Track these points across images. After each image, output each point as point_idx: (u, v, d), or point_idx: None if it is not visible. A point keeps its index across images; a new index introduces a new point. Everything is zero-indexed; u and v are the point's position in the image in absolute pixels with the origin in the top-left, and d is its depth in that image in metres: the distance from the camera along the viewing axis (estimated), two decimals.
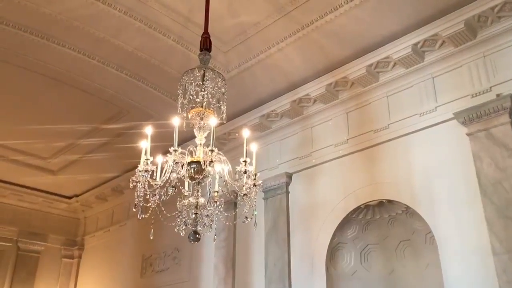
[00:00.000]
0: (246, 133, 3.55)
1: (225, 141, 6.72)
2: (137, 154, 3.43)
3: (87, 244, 9.57)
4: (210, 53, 3.81)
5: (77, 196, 9.47)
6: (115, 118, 6.81)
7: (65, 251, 9.50)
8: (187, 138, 3.60)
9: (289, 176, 6.12)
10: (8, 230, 8.79)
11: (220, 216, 3.56)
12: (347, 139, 5.64)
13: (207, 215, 3.47)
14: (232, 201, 5.61)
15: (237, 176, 3.46)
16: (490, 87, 4.55)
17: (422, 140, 5.00)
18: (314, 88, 5.77)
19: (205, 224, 3.49)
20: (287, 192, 6.10)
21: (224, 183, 3.49)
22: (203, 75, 3.61)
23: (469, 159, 4.51)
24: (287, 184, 6.12)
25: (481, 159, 4.39)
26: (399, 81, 5.31)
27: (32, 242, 9.02)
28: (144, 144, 3.40)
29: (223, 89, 3.65)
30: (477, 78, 4.66)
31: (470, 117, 4.52)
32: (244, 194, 3.42)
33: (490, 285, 4.09)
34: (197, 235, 3.42)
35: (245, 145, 3.47)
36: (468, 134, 4.56)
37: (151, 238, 3.64)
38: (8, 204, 8.88)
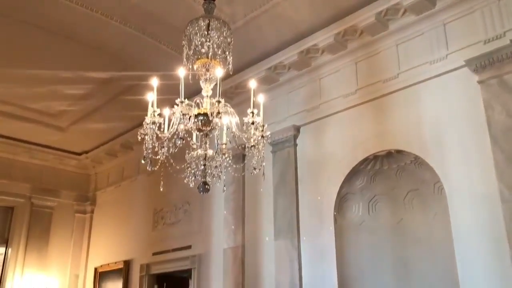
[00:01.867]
0: (253, 84, 3.51)
1: (232, 95, 6.67)
2: (144, 109, 3.42)
3: (99, 200, 9.75)
4: (215, 2, 3.72)
5: (86, 152, 9.57)
6: (120, 73, 6.75)
7: (78, 206, 9.69)
8: (194, 92, 3.56)
9: (297, 129, 6.10)
10: (21, 187, 8.94)
11: (229, 168, 3.59)
12: (356, 90, 5.57)
13: (216, 166, 3.50)
14: (240, 154, 5.64)
15: (244, 127, 3.46)
16: (504, 32, 4.42)
17: (432, 89, 4.93)
18: (322, 38, 5.65)
19: (214, 175, 3.52)
20: (295, 145, 6.10)
21: (232, 134, 3.49)
22: (208, 25, 3.54)
23: (479, 107, 4.45)
24: (295, 136, 6.11)
25: (492, 107, 4.32)
26: (409, 29, 5.17)
27: (45, 198, 9.19)
28: (151, 97, 3.39)
29: (228, 39, 3.58)
30: (490, 23, 4.52)
31: (482, 64, 4.42)
32: (252, 146, 3.43)
33: (498, 233, 4.13)
34: (207, 186, 3.46)
35: (252, 96, 3.44)
36: (479, 82, 4.48)
37: (161, 190, 3.68)
38: (20, 161, 9.00)
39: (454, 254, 4.42)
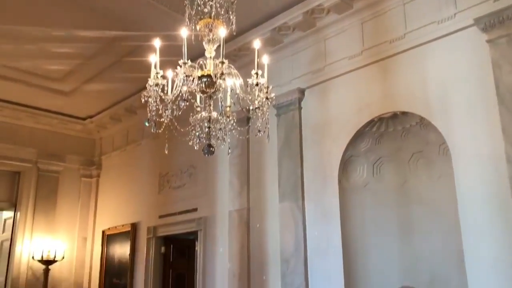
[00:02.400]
0: (257, 44, 3.45)
1: (235, 58, 6.57)
2: (147, 72, 3.37)
3: (104, 164, 9.81)
4: None
5: (91, 117, 9.56)
6: (123, 35, 6.65)
7: (84, 171, 9.76)
8: (197, 55, 3.50)
9: (302, 92, 6.04)
10: (27, 152, 8.99)
11: (233, 131, 3.57)
12: (362, 51, 5.48)
13: (220, 128, 3.49)
14: (244, 117, 5.61)
15: (249, 89, 3.42)
16: None
17: (439, 49, 4.84)
18: None
19: (218, 137, 3.51)
20: (300, 108, 6.06)
21: (236, 96, 3.46)
22: None
23: (487, 67, 4.37)
24: (300, 99, 6.06)
25: (501, 66, 4.25)
26: None
27: (51, 163, 9.25)
28: (153, 58, 3.34)
29: None
30: None
31: (491, 23, 4.31)
32: (257, 108, 3.40)
33: (503, 194, 4.14)
34: (211, 148, 3.45)
35: (256, 56, 3.38)
36: (488, 41, 4.38)
37: (166, 152, 3.68)
38: (25, 126, 9.02)
39: (458, 215, 4.45)
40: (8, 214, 9.17)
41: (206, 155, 3.51)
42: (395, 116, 5.17)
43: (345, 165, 5.52)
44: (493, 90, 4.29)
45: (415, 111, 4.95)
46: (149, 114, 3.31)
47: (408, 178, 5.42)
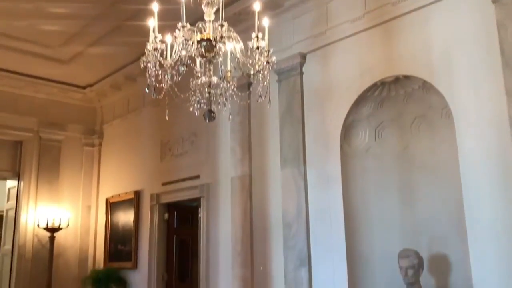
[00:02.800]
0: (257, 6, 3.36)
1: (235, 22, 6.42)
2: (147, 37, 3.30)
3: (106, 132, 9.81)
4: None
5: (91, 85, 9.49)
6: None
7: (85, 139, 9.76)
8: (196, 19, 3.43)
9: (303, 56, 5.96)
10: (28, 121, 8.98)
11: (234, 97, 3.53)
12: (364, 14, 5.37)
13: (221, 94, 3.45)
14: (245, 83, 5.56)
15: (249, 53, 3.37)
16: None
17: (443, 11, 4.73)
18: None
19: (219, 103, 3.48)
20: (301, 73, 5.99)
21: (236, 60, 3.41)
22: None
23: (492, 28, 4.28)
24: (301, 64, 5.98)
25: (506, 27, 4.16)
26: None
27: (52, 132, 9.25)
28: (152, 23, 3.27)
29: None
30: None
31: None
32: (257, 71, 3.35)
33: (506, 157, 4.13)
34: (212, 114, 3.43)
35: (256, 19, 3.31)
36: (493, 1, 4.27)
37: (167, 118, 3.65)
38: (25, 96, 8.97)
39: (459, 179, 4.45)
40: (12, 183, 9.24)
41: (207, 121, 3.49)
42: (397, 80, 5.11)
43: (347, 130, 5.50)
44: (497, 52, 4.21)
45: (418, 74, 4.89)
46: (148, 80, 3.28)
47: (410, 142, 5.41)
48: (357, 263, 5.23)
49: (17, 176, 9.05)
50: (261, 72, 3.34)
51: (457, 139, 4.50)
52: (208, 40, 3.20)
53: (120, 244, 8.77)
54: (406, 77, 5.02)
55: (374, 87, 5.26)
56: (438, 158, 5.16)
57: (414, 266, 4.61)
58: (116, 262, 8.69)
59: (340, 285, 5.13)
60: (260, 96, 3.43)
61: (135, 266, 8.29)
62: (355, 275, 5.18)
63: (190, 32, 3.22)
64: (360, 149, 5.55)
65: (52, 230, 8.63)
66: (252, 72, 3.37)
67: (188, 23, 3.18)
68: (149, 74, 3.25)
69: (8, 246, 8.96)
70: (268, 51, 3.36)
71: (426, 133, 5.29)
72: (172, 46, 3.29)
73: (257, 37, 3.26)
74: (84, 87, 9.57)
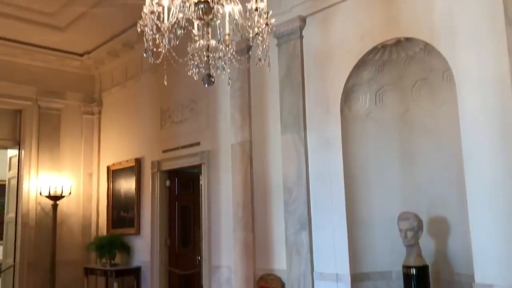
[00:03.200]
0: None
1: None
2: (143, 1, 3.22)
3: (105, 100, 9.76)
4: None
5: (88, 53, 9.38)
6: None
7: (85, 107, 9.73)
8: None
9: (303, 20, 5.85)
10: (26, 90, 8.92)
11: (233, 61, 3.48)
12: None
13: (219, 57, 3.40)
14: (244, 48, 5.51)
15: (248, 15, 3.30)
16: None
17: None
18: None
19: (217, 67, 3.43)
20: (301, 37, 5.90)
21: (235, 22, 3.34)
22: None
23: None
24: (301, 28, 5.88)
25: None
26: None
27: (51, 100, 9.20)
28: None
29: None
30: None
31: None
32: (256, 34, 3.29)
33: (507, 119, 4.10)
34: (211, 78, 3.38)
35: None
36: None
37: (165, 83, 3.60)
38: (22, 64, 8.88)
39: (460, 142, 4.44)
40: (12, 152, 9.27)
41: (206, 85, 3.45)
42: (398, 42, 5.03)
43: (347, 94, 5.46)
44: (501, 11, 4.12)
45: (420, 36, 4.81)
46: (146, 44, 3.22)
47: (411, 106, 5.38)
48: (357, 226, 5.29)
49: (18, 145, 9.06)
50: (260, 34, 3.27)
51: (458, 102, 4.46)
52: (206, 2, 3.12)
53: (122, 211, 8.86)
54: (408, 40, 4.94)
55: (375, 50, 5.19)
56: (439, 121, 5.14)
57: (413, 228, 4.66)
58: (119, 229, 8.80)
59: (340, 248, 5.20)
60: (260, 59, 3.37)
61: (138, 232, 8.40)
62: (355, 238, 5.24)
63: None
64: (361, 113, 5.52)
65: (55, 198, 8.70)
66: (251, 35, 3.31)
67: None
68: (146, 38, 3.19)
69: (11, 214, 9.06)
70: (267, 13, 3.29)
71: (427, 96, 5.25)
72: (169, 9, 3.21)
73: None
74: (81, 55, 9.47)
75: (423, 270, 4.65)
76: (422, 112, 5.31)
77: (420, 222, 4.72)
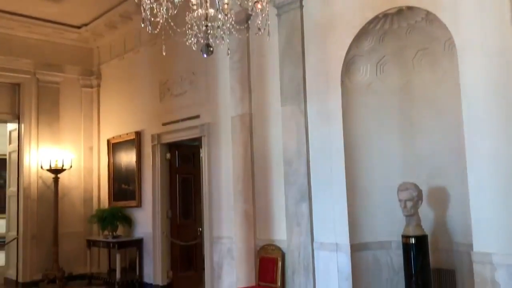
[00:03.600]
0: None
1: None
2: None
3: (104, 73, 9.69)
4: None
5: (86, 25, 9.27)
6: None
7: (83, 80, 9.68)
8: None
9: None
10: (24, 63, 8.85)
11: (232, 30, 3.43)
12: None
13: (218, 26, 3.35)
14: (244, 17, 5.42)
15: None
16: None
17: None
18: None
19: (217, 36, 3.39)
20: (301, 6, 5.80)
21: None
22: None
23: None
24: None
25: None
26: None
27: (49, 74, 9.15)
28: None
29: None
30: None
31: None
32: (256, 2, 3.23)
33: (509, 90, 4.06)
34: (210, 48, 3.34)
35: None
36: None
37: (164, 54, 3.57)
38: (18, 37, 8.80)
39: (461, 112, 4.41)
40: (12, 126, 9.27)
41: (205, 55, 3.40)
42: (400, 11, 4.94)
43: (348, 65, 5.40)
44: None
45: (421, 5, 4.72)
46: (143, 14, 3.18)
47: (412, 76, 5.34)
48: (357, 197, 5.32)
49: (17, 118, 9.05)
50: (260, 2, 3.22)
51: (459, 71, 4.42)
52: None
53: (123, 184, 8.91)
54: (409, 8, 4.85)
55: (376, 20, 5.10)
56: (440, 92, 5.10)
57: (413, 198, 4.68)
58: (121, 201, 8.87)
59: (340, 218, 5.24)
60: (259, 29, 3.33)
61: (139, 205, 8.47)
62: (354, 208, 5.27)
63: None
64: (361, 85, 5.48)
65: (56, 172, 8.73)
66: (250, 3, 3.26)
67: None
68: (143, 7, 3.15)
69: (13, 188, 9.11)
70: None
71: (428, 67, 5.20)
72: None
73: None
74: (79, 27, 9.35)
75: (422, 240, 4.70)
76: (423, 83, 5.27)
77: (419, 192, 4.74)
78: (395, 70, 5.40)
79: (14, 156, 9.15)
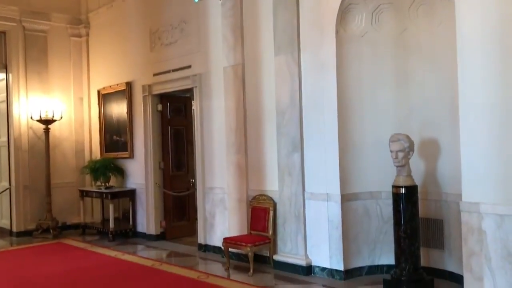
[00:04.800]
0: None
1: None
2: None
3: (92, 22, 9.42)
4: None
5: None
6: None
7: (72, 29, 9.41)
8: None
9: None
10: (8, 9, 8.54)
11: None
12: None
13: None
14: None
15: None
16: None
17: None
18: None
19: None
20: None
21: None
22: None
23: None
24: None
25: None
26: None
27: (36, 22, 8.85)
28: None
29: None
30: None
31: None
32: None
33: (506, 40, 3.99)
34: None
35: None
36: None
37: None
38: None
39: (455, 64, 4.35)
40: (0, 76, 9.06)
41: (196, 0, 3.29)
42: None
43: (343, 14, 5.28)
44: None
45: None
46: None
47: (408, 26, 5.24)
48: (349, 148, 5.34)
49: (5, 68, 8.84)
50: None
51: (456, 21, 4.32)
52: None
53: (115, 135, 8.87)
54: None
55: None
56: (436, 42, 5.03)
57: (404, 149, 4.70)
58: (113, 153, 8.86)
59: (331, 169, 5.28)
60: None
61: (131, 156, 8.47)
62: (346, 159, 5.31)
63: None
64: (356, 34, 5.38)
65: (46, 122, 8.64)
66: None
67: None
68: None
69: (4, 138, 9.04)
70: None
71: (424, 16, 5.10)
72: None
73: None
74: None
75: (412, 190, 4.76)
76: (419, 33, 5.18)
77: (411, 143, 4.76)
78: (391, 19, 5.30)
79: (3, 106, 9.01)
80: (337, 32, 5.26)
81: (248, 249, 5.63)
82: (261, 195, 6.12)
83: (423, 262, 4.93)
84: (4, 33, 8.78)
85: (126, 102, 8.48)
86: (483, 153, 4.12)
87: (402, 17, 5.25)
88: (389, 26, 5.32)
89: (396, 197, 4.79)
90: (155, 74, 7.88)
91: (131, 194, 8.39)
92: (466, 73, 4.25)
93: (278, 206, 5.88)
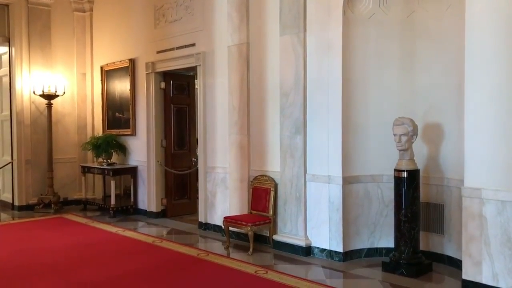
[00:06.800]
0: None
1: None
2: None
3: None
4: None
5: None
6: None
7: (76, 4, 9.32)
8: None
9: None
10: None
11: None
12: None
13: None
14: None
15: None
16: None
17: None
18: None
19: None
20: None
21: None
22: None
23: None
24: None
25: None
26: None
27: None
28: None
29: None
30: None
31: None
32: None
33: None
34: None
35: None
36: None
37: None
38: None
39: (463, 47, 4.30)
40: (2, 49, 9.00)
41: None
42: None
43: None
44: None
45: None
46: None
47: (416, 8, 5.17)
48: (352, 131, 5.32)
49: (8, 42, 8.78)
50: None
51: (465, 3, 4.25)
52: None
53: (117, 112, 8.85)
54: None
55: None
56: (444, 25, 4.97)
57: (407, 133, 4.68)
58: (115, 130, 8.84)
59: (334, 151, 5.27)
60: None
61: (133, 133, 8.46)
62: (349, 142, 5.29)
63: None
64: (363, 16, 5.31)
65: (49, 97, 8.62)
66: None
67: None
68: None
69: (6, 112, 9.03)
70: None
71: None
72: None
73: None
74: None
75: (414, 174, 4.76)
76: (427, 15, 5.12)
77: (415, 127, 4.74)
78: (399, 1, 5.23)
79: (6, 80, 8.98)
80: (344, 13, 5.20)
81: (248, 228, 5.66)
82: (262, 175, 6.13)
83: (422, 246, 4.96)
84: (7, 5, 8.69)
85: (129, 79, 8.44)
86: (488, 139, 4.10)
87: (410, 0, 5.17)
88: (397, 9, 5.25)
89: (398, 180, 4.79)
90: (158, 52, 7.82)
91: (133, 171, 8.41)
92: (473, 58, 4.19)
93: (279, 187, 5.89)
